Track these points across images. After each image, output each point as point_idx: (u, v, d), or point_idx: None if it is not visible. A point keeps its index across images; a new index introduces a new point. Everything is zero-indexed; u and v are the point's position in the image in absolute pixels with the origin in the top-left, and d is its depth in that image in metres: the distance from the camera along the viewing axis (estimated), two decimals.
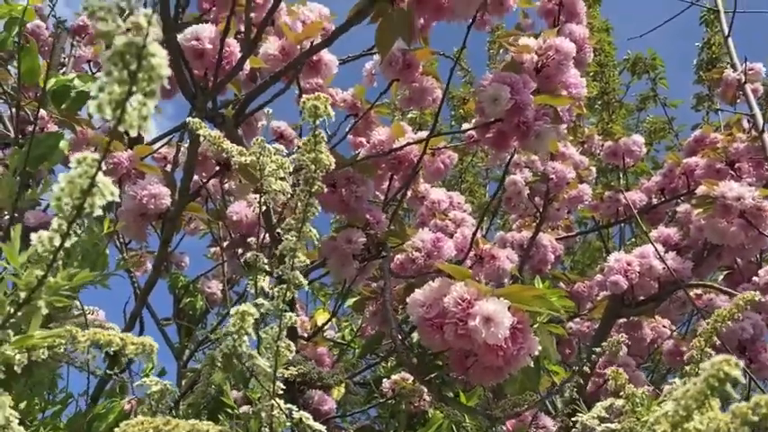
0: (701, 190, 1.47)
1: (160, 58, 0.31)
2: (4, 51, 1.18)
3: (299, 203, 0.63)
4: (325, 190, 1.22)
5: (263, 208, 0.82)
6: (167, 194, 1.19)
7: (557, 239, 2.05)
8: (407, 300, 0.83)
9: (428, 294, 0.82)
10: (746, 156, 1.72)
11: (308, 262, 0.63)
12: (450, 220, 1.67)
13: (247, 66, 1.25)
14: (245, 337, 0.58)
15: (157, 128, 1.78)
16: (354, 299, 1.55)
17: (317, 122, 0.59)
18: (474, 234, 1.44)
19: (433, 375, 1.05)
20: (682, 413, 0.40)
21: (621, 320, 1.76)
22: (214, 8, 1.38)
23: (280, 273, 0.63)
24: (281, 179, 0.72)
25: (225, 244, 1.50)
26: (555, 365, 1.05)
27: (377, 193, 1.47)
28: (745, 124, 1.99)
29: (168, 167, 1.49)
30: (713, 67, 3.00)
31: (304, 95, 0.58)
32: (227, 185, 1.51)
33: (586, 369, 0.91)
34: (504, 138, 1.06)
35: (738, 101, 1.98)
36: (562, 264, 3.48)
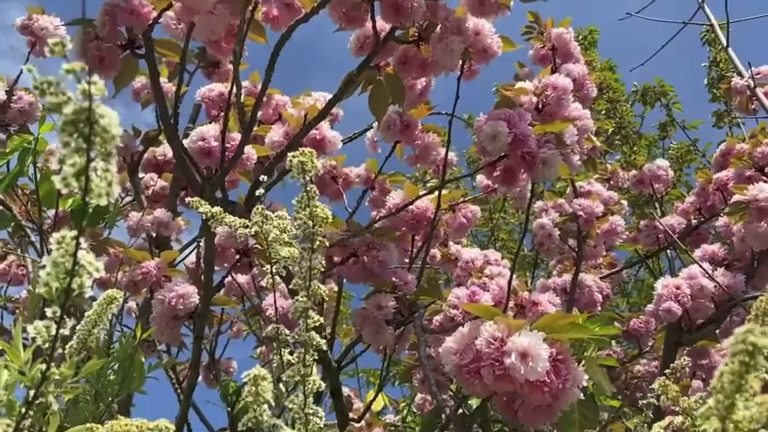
0: (733, 199, 1.42)
1: (110, 118, 0.32)
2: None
3: (304, 262, 0.62)
4: (336, 258, 1.23)
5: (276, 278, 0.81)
6: (194, 292, 1.20)
7: (601, 278, 1.98)
8: (439, 349, 0.80)
9: (460, 340, 0.79)
10: None
11: (321, 321, 0.62)
12: (486, 276, 1.64)
13: (254, 155, 1.29)
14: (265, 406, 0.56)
15: (189, 234, 1.83)
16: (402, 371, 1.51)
17: (307, 177, 0.60)
18: (509, 283, 1.40)
19: None
20: (724, 402, 0.37)
21: (686, 350, 1.67)
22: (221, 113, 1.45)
23: (296, 336, 0.62)
24: (288, 244, 0.72)
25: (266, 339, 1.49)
26: (612, 400, 0.98)
27: (404, 259, 1.46)
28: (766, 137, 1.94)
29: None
30: (724, 79, 2.98)
31: (290, 154, 0.59)
32: (259, 280, 1.52)
33: (654, 402, 0.85)
34: (512, 173, 1.05)
35: (754, 107, 1.94)
36: (617, 307, 3.35)
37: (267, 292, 1.57)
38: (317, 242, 0.62)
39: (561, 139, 1.06)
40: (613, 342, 2.09)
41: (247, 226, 0.73)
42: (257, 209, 0.70)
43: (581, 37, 3.33)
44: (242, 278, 1.50)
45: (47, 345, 0.39)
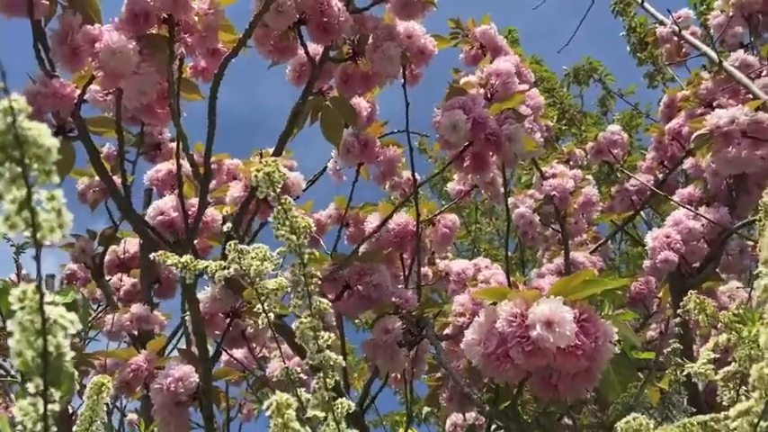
0: (695, 134, 1.43)
1: (38, 129, 0.28)
2: None
3: (299, 282, 0.58)
4: (330, 296, 1.18)
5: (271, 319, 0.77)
6: (192, 371, 1.13)
7: (590, 253, 1.98)
8: (462, 345, 0.76)
9: (479, 329, 0.75)
10: (719, 91, 1.70)
11: (333, 337, 0.57)
12: (482, 282, 1.61)
13: (218, 216, 1.25)
14: None
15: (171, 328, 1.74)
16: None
17: (277, 191, 0.56)
18: (508, 277, 1.37)
19: None
20: None
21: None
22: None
23: (310, 361, 0.57)
24: (272, 275, 0.67)
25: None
26: (644, 353, 0.95)
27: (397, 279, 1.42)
28: (704, 75, 1.99)
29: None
30: (646, 45, 3.07)
31: (253, 169, 0.56)
32: (258, 351, 1.46)
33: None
34: (481, 158, 1.03)
35: (684, 50, 1.99)
36: None
37: (269, 361, 1.50)
38: (306, 255, 0.58)
39: (519, 113, 1.05)
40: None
41: (225, 267, 0.68)
42: (230, 245, 0.65)
43: (504, 38, 3.41)
44: (239, 353, 1.43)
45: (38, 427, 0.34)
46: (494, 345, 0.73)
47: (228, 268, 0.68)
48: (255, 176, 0.56)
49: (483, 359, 0.73)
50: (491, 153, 1.02)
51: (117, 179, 1.62)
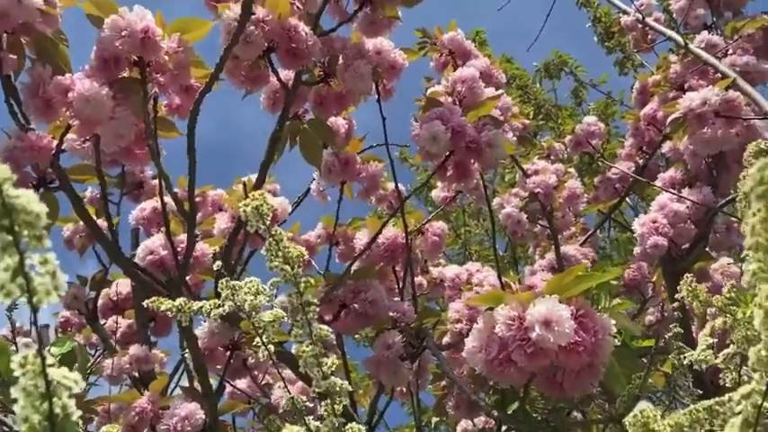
0: (670, 119, 1.45)
1: (26, 197, 0.28)
2: None
3: (297, 311, 0.58)
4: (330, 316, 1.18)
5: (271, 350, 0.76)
6: (197, 408, 1.12)
7: (581, 245, 1.99)
8: (464, 353, 0.76)
9: (479, 336, 0.75)
10: (688, 73, 1.72)
11: (337, 362, 0.57)
12: (476, 286, 1.61)
13: (208, 249, 1.25)
14: None
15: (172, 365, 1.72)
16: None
17: (267, 223, 0.56)
18: (500, 278, 1.38)
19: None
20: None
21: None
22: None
23: (316, 389, 0.57)
24: (267, 306, 0.67)
25: None
26: (644, 341, 0.95)
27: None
28: (672, 58, 2.02)
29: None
30: (613, 35, 3.11)
31: (241, 204, 0.56)
32: (260, 378, 1.45)
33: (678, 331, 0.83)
34: (463, 166, 1.04)
35: (650, 36, 2.02)
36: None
37: (273, 388, 1.50)
38: (302, 284, 0.58)
39: (496, 119, 1.06)
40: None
41: (220, 306, 0.68)
42: (223, 283, 0.65)
43: (472, 41, 3.44)
44: (242, 383, 1.42)
45: None
46: (495, 350, 0.73)
47: (223, 306, 0.69)
48: (244, 211, 0.56)
49: (486, 365, 0.74)
50: (472, 160, 1.03)
51: (102, 223, 1.62)
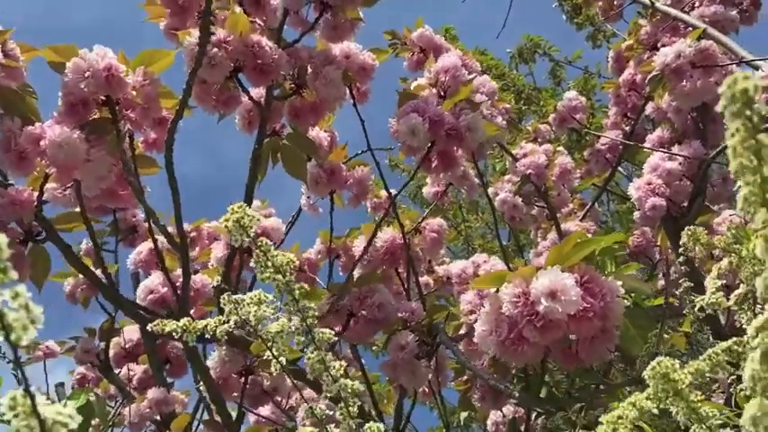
0: (648, 77, 1.45)
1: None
2: None
3: (296, 318, 0.57)
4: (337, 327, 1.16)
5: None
6: None
7: (581, 221, 1.98)
8: (475, 339, 0.75)
9: (488, 318, 0.74)
10: (659, 32, 1.72)
11: (345, 365, 0.56)
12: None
13: (208, 280, 1.24)
14: None
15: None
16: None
17: (251, 235, 0.56)
18: (507, 265, 1.37)
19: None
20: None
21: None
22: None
23: (328, 394, 0.56)
24: (273, 318, 0.66)
25: None
26: (656, 300, 0.94)
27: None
28: (642, 22, 2.02)
29: None
30: (580, 10, 3.11)
31: (222, 219, 0.55)
32: (283, 403, 1.43)
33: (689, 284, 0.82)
34: (447, 155, 1.03)
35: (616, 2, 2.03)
36: None
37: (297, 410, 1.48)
38: (297, 290, 0.57)
39: (473, 102, 1.05)
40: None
41: (225, 321, 0.67)
42: (224, 297, 0.64)
43: (443, 37, 3.45)
44: (265, 410, 1.41)
45: None
46: (506, 330, 0.72)
47: (228, 322, 0.67)
48: (226, 226, 0.55)
49: (499, 347, 0.72)
50: (455, 147, 1.02)
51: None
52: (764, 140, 0.35)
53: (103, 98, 0.89)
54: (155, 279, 1.17)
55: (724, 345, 0.53)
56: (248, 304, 0.64)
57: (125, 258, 1.59)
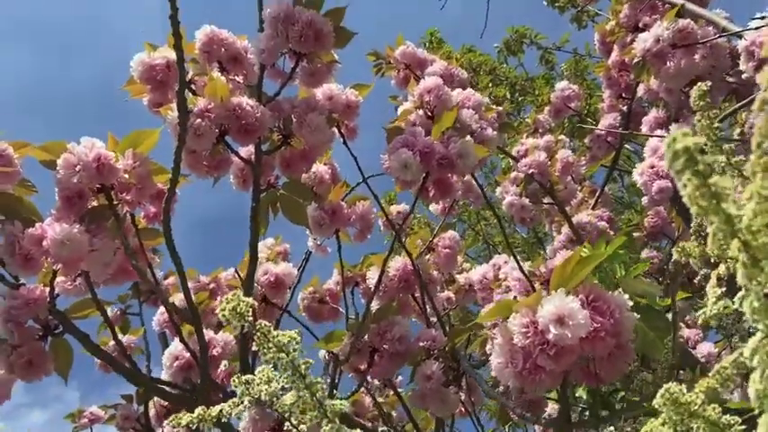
0: (634, 62, 1.44)
1: None
2: None
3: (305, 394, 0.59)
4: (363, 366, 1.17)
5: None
6: None
7: (593, 208, 1.97)
8: (492, 373, 0.75)
9: (501, 351, 0.74)
10: (639, 12, 1.71)
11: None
12: (504, 283, 1.60)
13: (230, 338, 1.25)
14: None
15: None
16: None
17: (248, 319, 0.57)
18: (520, 268, 1.36)
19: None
20: None
21: None
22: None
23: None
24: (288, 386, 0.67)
25: None
26: (666, 300, 0.93)
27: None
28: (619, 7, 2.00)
29: None
30: None
31: (218, 309, 0.56)
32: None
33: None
34: (443, 183, 1.03)
35: None
36: (631, 222, 3.32)
37: None
38: (302, 366, 0.58)
39: (462, 124, 1.06)
40: (650, 252, 2.05)
41: (239, 403, 0.68)
42: (235, 380, 0.65)
43: (428, 42, 3.46)
44: None
45: None
46: (521, 361, 0.72)
47: (242, 403, 0.68)
48: (224, 315, 0.56)
49: (517, 378, 0.72)
50: (449, 175, 1.03)
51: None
52: (718, 183, 0.35)
53: (98, 186, 0.91)
54: (178, 345, 1.19)
55: (730, 358, 0.53)
56: (258, 384, 0.65)
57: (149, 318, 1.62)
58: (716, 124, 0.62)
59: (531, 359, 0.71)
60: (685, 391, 0.47)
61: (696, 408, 0.47)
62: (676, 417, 0.48)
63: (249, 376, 0.67)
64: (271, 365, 0.57)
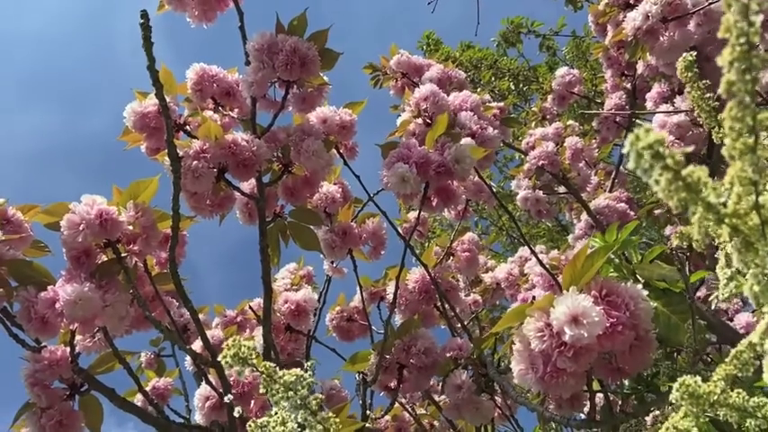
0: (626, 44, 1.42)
1: None
2: None
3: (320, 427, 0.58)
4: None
5: None
6: None
7: (610, 191, 1.94)
8: (515, 380, 0.74)
9: (521, 358, 0.72)
10: None
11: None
12: (530, 278, 1.59)
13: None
14: None
15: None
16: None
17: (251, 362, 0.56)
18: (540, 263, 1.35)
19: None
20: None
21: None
22: None
23: None
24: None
25: None
26: (679, 283, 0.90)
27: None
28: None
29: None
30: None
31: (220, 357, 0.56)
32: None
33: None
34: (444, 191, 1.02)
35: None
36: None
37: None
38: (313, 402, 0.57)
39: (462, 126, 1.05)
40: (674, 228, 2.01)
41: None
42: (250, 425, 0.65)
43: (425, 45, 3.45)
44: None
45: None
46: (541, 365, 0.71)
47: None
48: (227, 362, 0.56)
49: (540, 383, 0.71)
50: (450, 181, 1.02)
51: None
52: (691, 175, 0.34)
53: (104, 242, 0.92)
54: (206, 387, 1.19)
55: (746, 341, 0.51)
56: (273, 427, 0.65)
57: (182, 358, 1.63)
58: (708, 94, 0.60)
59: (552, 362, 0.69)
60: (701, 382, 0.45)
61: (716, 397, 0.46)
62: (697, 409, 0.46)
63: (264, 419, 0.67)
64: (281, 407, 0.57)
